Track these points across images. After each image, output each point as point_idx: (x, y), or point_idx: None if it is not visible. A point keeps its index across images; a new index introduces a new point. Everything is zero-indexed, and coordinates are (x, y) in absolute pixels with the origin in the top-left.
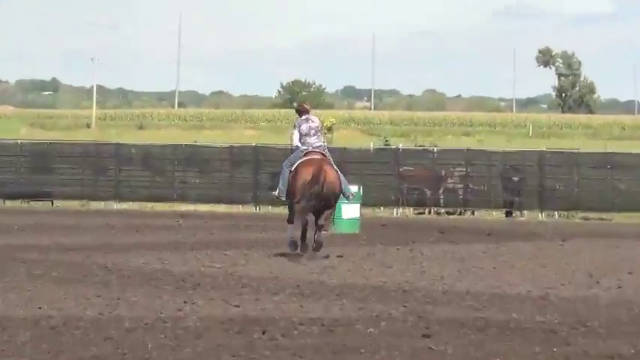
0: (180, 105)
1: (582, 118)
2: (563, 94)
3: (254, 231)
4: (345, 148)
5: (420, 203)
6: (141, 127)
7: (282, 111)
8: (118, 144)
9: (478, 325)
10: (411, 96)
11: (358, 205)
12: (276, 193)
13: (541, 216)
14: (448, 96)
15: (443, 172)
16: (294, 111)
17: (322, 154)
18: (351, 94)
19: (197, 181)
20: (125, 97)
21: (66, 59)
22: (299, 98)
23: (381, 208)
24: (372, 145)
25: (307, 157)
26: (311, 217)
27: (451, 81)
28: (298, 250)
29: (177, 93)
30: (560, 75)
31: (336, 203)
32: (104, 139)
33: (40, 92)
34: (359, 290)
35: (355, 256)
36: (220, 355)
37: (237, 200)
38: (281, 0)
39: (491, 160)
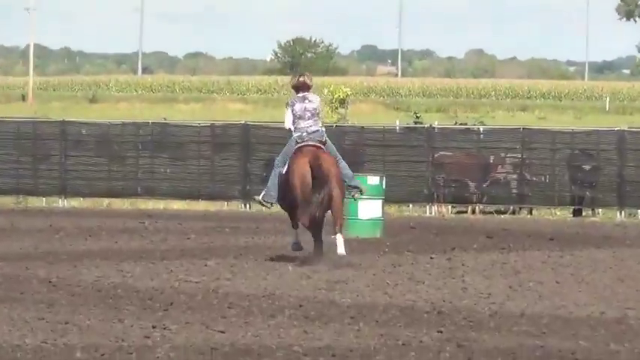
0: (144, 71)
1: None
2: None
3: (243, 235)
4: (362, 128)
5: (460, 199)
6: (93, 100)
7: (280, 79)
8: (64, 122)
9: (536, 356)
10: (450, 59)
11: (380, 202)
12: (260, 197)
13: (620, 215)
14: (499, 59)
15: (491, 159)
16: (291, 87)
17: (319, 144)
18: (371, 56)
19: (168, 170)
20: (72, 60)
21: None
22: (302, 62)
23: (410, 205)
24: (398, 124)
25: (300, 153)
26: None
27: (503, 39)
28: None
29: (140, 55)
30: None
31: (343, 196)
32: (45, 115)
33: None
34: (380, 312)
35: (376, 268)
36: None
37: (221, 195)
38: None
39: (555, 143)
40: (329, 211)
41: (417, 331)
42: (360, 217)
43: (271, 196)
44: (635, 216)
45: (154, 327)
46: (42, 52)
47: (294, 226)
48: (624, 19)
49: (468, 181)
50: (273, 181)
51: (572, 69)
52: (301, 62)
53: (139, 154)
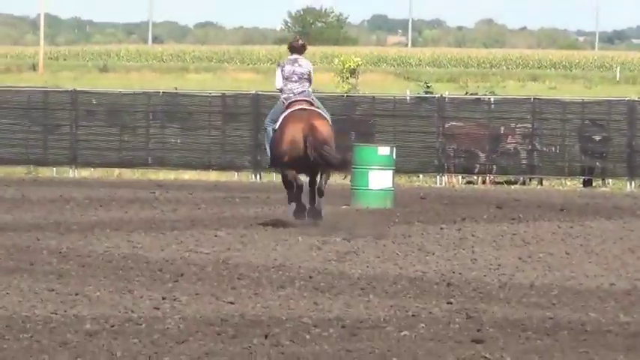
0: (155, 40)
1: None
2: None
3: (253, 206)
4: (373, 98)
5: (470, 170)
6: (104, 70)
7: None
8: (74, 91)
9: (545, 327)
10: (460, 28)
11: (391, 172)
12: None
13: (630, 186)
14: (510, 28)
15: (502, 129)
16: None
17: (308, 101)
18: (381, 25)
19: (179, 140)
20: (82, 29)
21: None
22: (312, 32)
23: (420, 175)
24: (408, 94)
25: (292, 110)
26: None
27: (513, 9)
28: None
29: (150, 25)
30: None
31: (334, 163)
32: (55, 84)
33: None
34: (390, 283)
35: (386, 238)
36: None
37: (232, 166)
38: None
39: (565, 113)
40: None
41: (426, 303)
42: (370, 187)
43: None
44: None
45: (163, 298)
46: (52, 21)
47: (290, 200)
48: None
49: (478, 152)
50: (269, 140)
51: (582, 39)
52: (312, 32)
53: (150, 124)
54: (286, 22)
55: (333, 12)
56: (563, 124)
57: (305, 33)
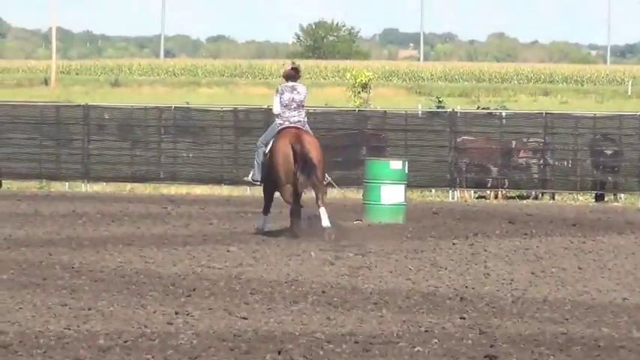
0: (167, 54)
1: None
2: None
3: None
4: (384, 112)
5: (483, 184)
6: (116, 84)
7: (303, 62)
8: (87, 106)
9: (558, 342)
10: (472, 42)
11: (403, 187)
12: (249, 176)
13: None
14: (521, 42)
15: (513, 144)
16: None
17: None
18: (393, 39)
19: (191, 155)
20: (94, 43)
21: None
22: (324, 46)
23: (432, 190)
24: (420, 108)
25: (282, 135)
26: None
27: (525, 23)
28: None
29: (162, 39)
30: None
31: (323, 177)
32: (67, 99)
33: None
34: (403, 298)
35: (398, 253)
36: None
37: (244, 180)
38: None
39: (577, 128)
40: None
41: (439, 318)
42: (382, 202)
43: (255, 174)
44: None
45: (176, 313)
46: (64, 35)
47: (265, 211)
48: None
49: (490, 166)
50: (258, 161)
51: (594, 53)
52: (323, 46)
53: (162, 139)
54: (298, 36)
55: (344, 26)
56: (575, 138)
57: (317, 47)
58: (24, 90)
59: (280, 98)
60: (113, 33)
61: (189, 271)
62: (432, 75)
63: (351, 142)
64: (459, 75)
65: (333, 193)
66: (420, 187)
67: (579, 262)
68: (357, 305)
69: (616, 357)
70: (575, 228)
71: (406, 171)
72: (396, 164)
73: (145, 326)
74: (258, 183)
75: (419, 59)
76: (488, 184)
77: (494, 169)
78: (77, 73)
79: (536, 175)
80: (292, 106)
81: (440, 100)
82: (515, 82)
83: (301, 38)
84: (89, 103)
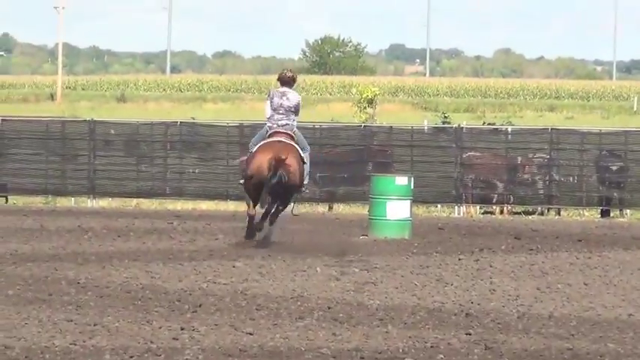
0: (173, 70)
1: None
2: None
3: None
4: (390, 128)
5: (488, 200)
6: (122, 100)
7: (308, 78)
8: (93, 121)
9: (564, 358)
10: (478, 58)
11: (408, 203)
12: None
13: None
14: (527, 58)
15: (519, 159)
16: (277, 79)
17: (289, 135)
18: (399, 55)
19: (197, 170)
20: (100, 59)
21: (21, 9)
22: (330, 62)
23: (438, 206)
24: (426, 124)
25: (270, 140)
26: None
27: (531, 39)
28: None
29: (169, 54)
30: None
31: (290, 197)
32: (73, 114)
33: None
34: (409, 314)
35: (404, 269)
36: None
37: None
38: None
39: (583, 143)
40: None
41: (445, 334)
42: (388, 217)
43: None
44: None
45: (182, 329)
46: (70, 51)
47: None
48: None
49: (496, 182)
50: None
51: (599, 68)
52: (329, 61)
53: (168, 154)
54: (304, 52)
55: (350, 41)
56: (580, 154)
57: (323, 63)
58: (30, 105)
59: (270, 102)
60: (119, 49)
61: (195, 287)
62: (437, 91)
63: (357, 158)
64: (464, 91)
65: (339, 208)
66: (425, 203)
67: (585, 278)
68: (362, 321)
69: None
70: (580, 244)
71: (412, 187)
72: (402, 180)
73: (151, 342)
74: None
75: (425, 75)
76: (494, 200)
77: (500, 185)
78: (83, 89)
79: (541, 191)
80: (280, 111)
81: (446, 115)
82: (521, 97)
83: (307, 54)
84: (95, 119)
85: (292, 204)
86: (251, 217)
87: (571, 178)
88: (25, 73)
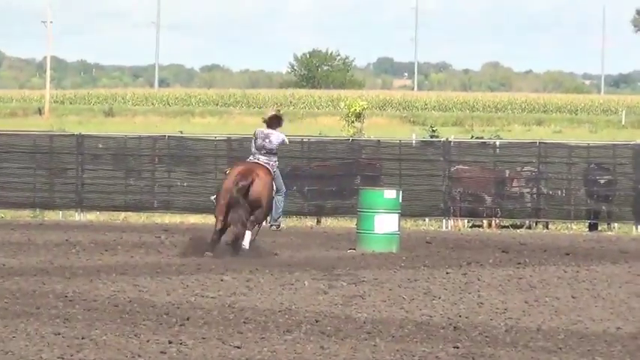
0: (161, 84)
1: None
2: None
3: (260, 250)
4: (378, 141)
5: (476, 213)
6: (110, 114)
7: (297, 92)
8: (80, 135)
9: None
10: (466, 72)
11: (397, 216)
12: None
13: (636, 230)
14: (515, 71)
15: (507, 173)
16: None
17: (266, 167)
18: (387, 69)
19: (185, 184)
20: (88, 72)
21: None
22: (318, 75)
23: (426, 219)
24: (414, 137)
25: (246, 161)
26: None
27: (519, 52)
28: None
29: (157, 68)
30: None
31: (256, 211)
32: (61, 128)
33: None
34: (397, 327)
35: (392, 282)
36: None
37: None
38: None
39: (571, 157)
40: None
41: (433, 347)
42: (376, 231)
43: None
44: None
45: (170, 342)
46: (58, 64)
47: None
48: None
49: (484, 195)
50: None
51: (588, 82)
52: (317, 75)
53: (156, 168)
54: (292, 66)
55: (339, 55)
56: (568, 167)
57: (311, 76)
58: (18, 120)
59: (254, 142)
60: (107, 62)
61: (182, 300)
62: (426, 104)
63: (345, 172)
64: (452, 104)
65: (327, 222)
66: (413, 216)
67: (573, 292)
68: (350, 334)
69: None
70: (568, 257)
71: (400, 200)
72: (390, 193)
73: (139, 355)
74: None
75: (413, 88)
76: (482, 214)
77: (488, 199)
78: (71, 103)
79: (529, 205)
80: (262, 151)
81: (434, 129)
82: (509, 111)
83: (295, 68)
84: (83, 133)
85: (252, 236)
86: (216, 232)
87: (559, 192)
88: (12, 87)
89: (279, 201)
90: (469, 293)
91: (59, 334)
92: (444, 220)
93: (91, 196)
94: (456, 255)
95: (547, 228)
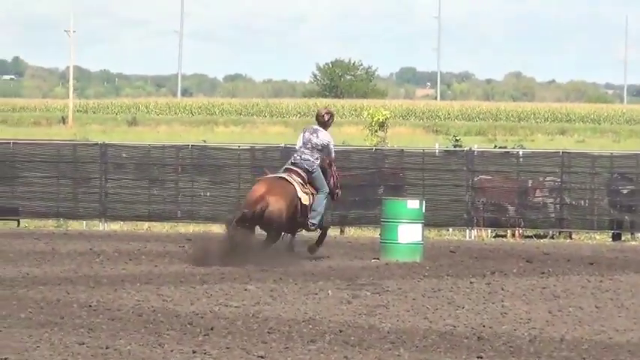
0: (184, 93)
1: None
2: None
3: (284, 259)
4: (402, 151)
5: (500, 223)
6: (133, 123)
7: (319, 101)
8: (104, 145)
9: None
10: (489, 81)
11: (420, 226)
12: None
13: None
14: (538, 82)
15: (530, 183)
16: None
17: (298, 172)
18: (410, 78)
19: (208, 194)
20: (112, 82)
21: (32, 32)
22: (341, 85)
23: (450, 229)
24: (437, 147)
25: (271, 176)
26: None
27: (542, 62)
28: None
29: (180, 77)
30: None
31: (275, 230)
32: (84, 138)
33: None
34: (420, 337)
35: (416, 292)
36: None
37: None
38: None
39: (594, 167)
40: None
41: (456, 357)
42: (399, 241)
43: None
44: None
45: (194, 352)
46: (81, 74)
47: None
48: None
49: (507, 205)
50: None
51: (610, 92)
52: (340, 85)
53: (179, 178)
54: (315, 75)
55: (361, 65)
56: (592, 177)
57: (334, 86)
58: (41, 129)
59: (302, 135)
60: (130, 72)
61: (206, 310)
62: (449, 114)
63: (368, 181)
64: (475, 114)
65: (351, 232)
66: (437, 226)
67: (596, 301)
68: (374, 344)
69: None
70: (592, 267)
71: (423, 210)
72: (414, 203)
73: None
74: None
75: (436, 98)
76: (506, 223)
77: (512, 208)
78: (94, 112)
79: (553, 214)
80: (308, 146)
81: (457, 138)
82: (532, 121)
83: (318, 77)
84: (106, 142)
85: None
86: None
87: (582, 202)
88: (36, 97)
89: (319, 201)
90: (493, 303)
91: (83, 343)
92: (467, 230)
93: (115, 206)
94: (479, 265)
95: (570, 238)
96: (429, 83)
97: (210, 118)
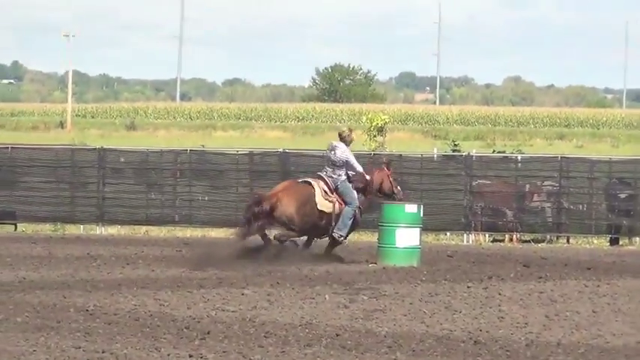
0: (183, 98)
1: None
2: None
3: (280, 263)
4: (400, 155)
5: (497, 228)
6: (132, 127)
7: (318, 106)
8: (102, 149)
9: None
10: (488, 86)
11: (417, 230)
12: None
13: None
14: (537, 86)
15: (527, 187)
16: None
17: (324, 180)
18: (409, 83)
19: (206, 198)
20: (110, 86)
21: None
22: (340, 89)
23: (447, 233)
24: (436, 151)
25: (297, 179)
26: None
27: (541, 67)
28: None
29: (179, 82)
30: None
31: (289, 229)
32: (83, 142)
33: None
34: (417, 341)
35: (413, 297)
36: None
37: None
38: None
39: (592, 172)
40: None
41: None
42: (397, 245)
43: None
44: None
45: (190, 356)
46: (80, 78)
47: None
48: None
49: (505, 210)
50: None
51: (609, 97)
52: (339, 89)
53: (177, 182)
54: (314, 79)
55: (361, 69)
56: (590, 182)
57: (333, 90)
58: (40, 133)
59: (327, 154)
60: (129, 76)
61: (203, 314)
62: (447, 118)
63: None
64: (474, 118)
65: (349, 236)
66: (434, 231)
67: (593, 306)
68: (371, 348)
69: None
70: (589, 271)
71: (421, 214)
72: (412, 208)
73: None
74: None
75: (435, 103)
76: (504, 228)
77: (510, 213)
78: (93, 117)
79: (550, 219)
80: (328, 164)
81: (455, 143)
82: (531, 125)
83: (317, 82)
84: (104, 147)
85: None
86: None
87: (580, 206)
88: (34, 101)
89: (347, 214)
90: (490, 307)
91: (80, 347)
92: (465, 235)
93: (113, 210)
94: (476, 269)
95: (568, 242)
96: (428, 88)
97: (209, 122)
